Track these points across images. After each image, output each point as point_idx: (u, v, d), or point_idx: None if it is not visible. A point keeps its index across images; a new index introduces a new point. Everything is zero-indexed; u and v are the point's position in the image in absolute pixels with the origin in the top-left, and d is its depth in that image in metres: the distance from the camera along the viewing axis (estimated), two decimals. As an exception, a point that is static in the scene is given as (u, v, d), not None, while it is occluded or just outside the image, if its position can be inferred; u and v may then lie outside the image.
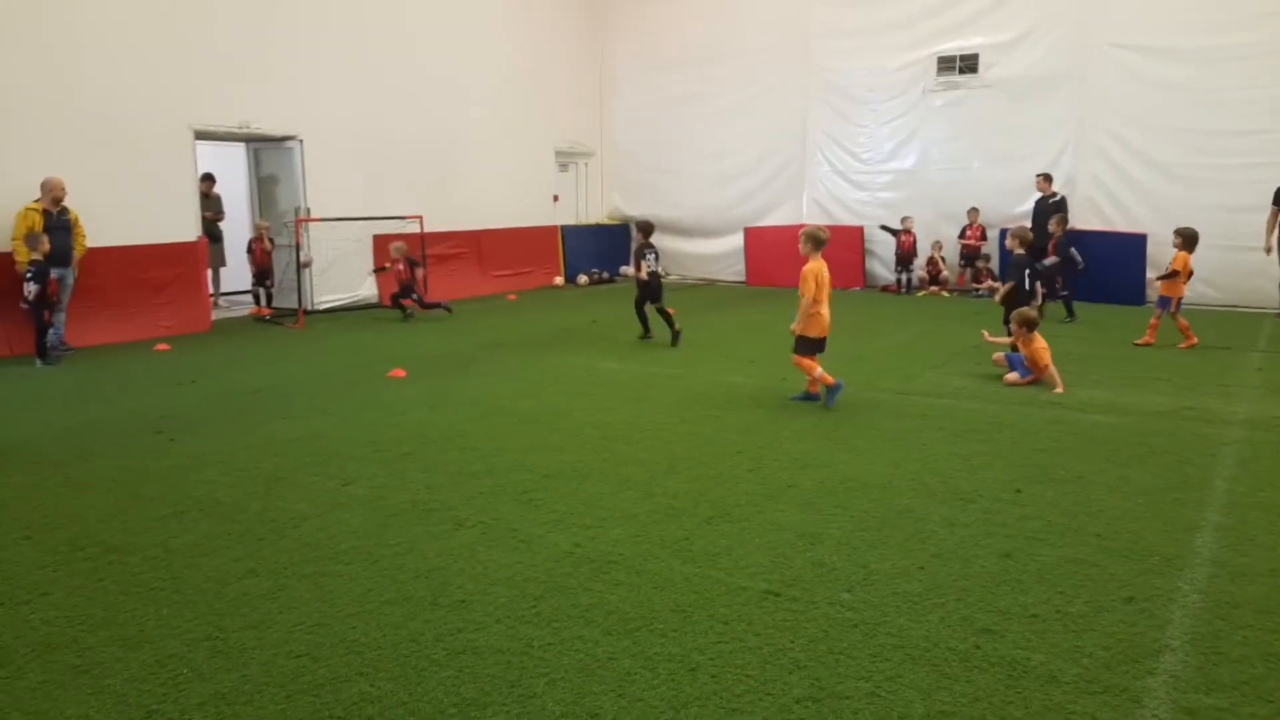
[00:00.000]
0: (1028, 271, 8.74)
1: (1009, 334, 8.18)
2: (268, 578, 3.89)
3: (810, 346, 6.93)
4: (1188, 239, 9.61)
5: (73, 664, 3.19)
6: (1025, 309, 7.90)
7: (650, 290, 9.94)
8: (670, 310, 9.99)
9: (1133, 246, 12.93)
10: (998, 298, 9.02)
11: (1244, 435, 6.08)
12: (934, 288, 14.83)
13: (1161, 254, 13.03)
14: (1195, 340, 9.45)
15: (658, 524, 4.49)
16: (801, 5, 15.73)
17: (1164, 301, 9.55)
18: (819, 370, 6.90)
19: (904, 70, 14.95)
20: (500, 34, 15.62)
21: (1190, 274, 9.57)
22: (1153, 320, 9.68)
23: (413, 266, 12.24)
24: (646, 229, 10.08)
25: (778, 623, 3.45)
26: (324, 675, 3.10)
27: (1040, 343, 7.64)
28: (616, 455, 5.69)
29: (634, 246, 10.11)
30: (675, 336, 9.81)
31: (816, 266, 6.83)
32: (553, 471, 5.35)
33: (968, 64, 14.40)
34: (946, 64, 14.60)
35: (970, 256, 14.55)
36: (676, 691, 2.98)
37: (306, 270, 12.20)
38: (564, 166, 17.68)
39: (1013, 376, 7.68)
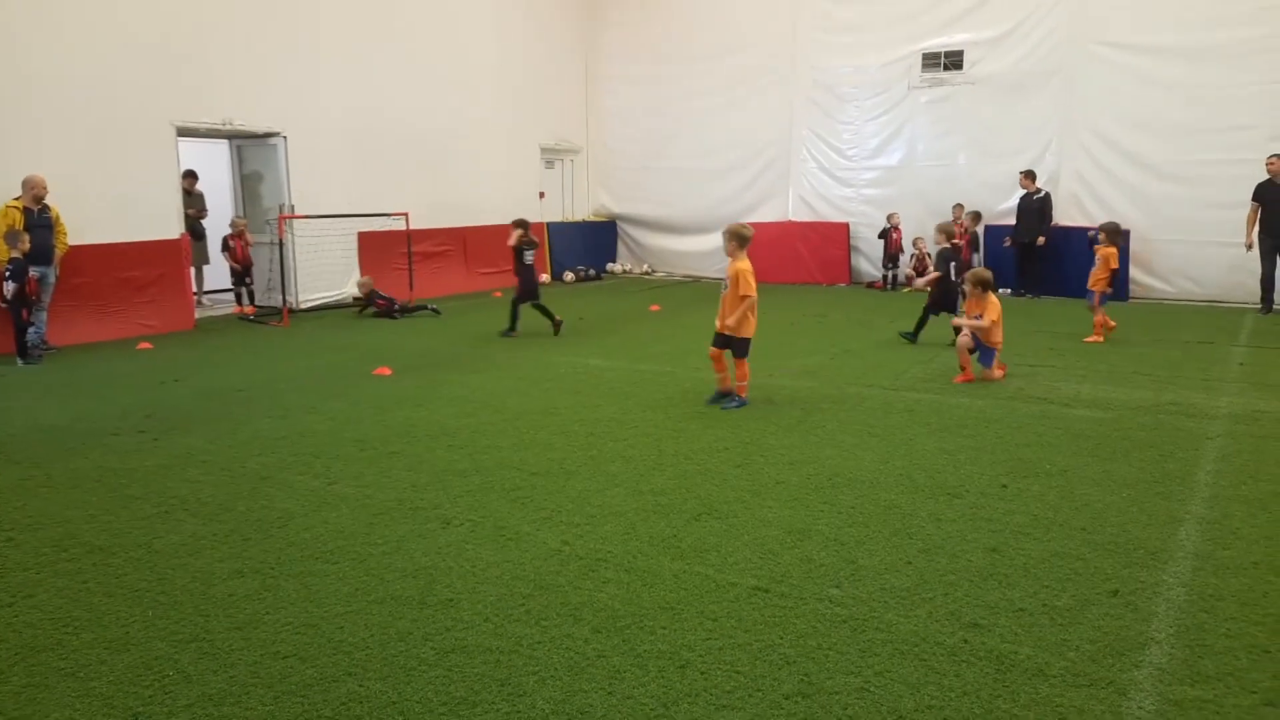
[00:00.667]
0: (952, 264, 9.44)
1: (922, 321, 9.39)
2: (254, 578, 3.86)
3: (749, 348, 6.82)
4: (1113, 233, 9.81)
5: (58, 667, 3.16)
6: (981, 269, 8.12)
7: (527, 287, 10.23)
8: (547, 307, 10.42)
9: (1116, 242, 13.03)
10: (920, 283, 9.88)
11: (1226, 429, 6.14)
12: (920, 283, 14.87)
13: (1143, 250, 13.20)
14: (1101, 339, 9.61)
15: (646, 521, 4.49)
16: (788, 3, 15.75)
17: (1103, 297, 9.70)
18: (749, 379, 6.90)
19: (889, 67, 15.00)
20: (486, 30, 15.56)
21: (1115, 270, 9.70)
22: (1097, 318, 9.83)
23: (378, 297, 12.27)
24: (524, 225, 10.37)
25: (767, 619, 3.46)
26: (312, 676, 3.08)
27: (994, 300, 7.69)
28: (604, 452, 5.69)
29: (514, 243, 10.29)
30: (557, 326, 10.30)
31: (749, 265, 6.70)
32: (540, 469, 5.34)
33: (953, 61, 14.46)
34: (931, 61, 14.65)
35: (955, 253, 14.64)
36: (666, 688, 2.99)
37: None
38: (550, 163, 17.64)
39: (996, 374, 7.71)
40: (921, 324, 9.64)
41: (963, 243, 12.79)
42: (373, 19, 13.43)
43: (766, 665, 3.12)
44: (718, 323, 6.85)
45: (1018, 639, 3.29)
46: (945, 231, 9.64)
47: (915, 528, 4.38)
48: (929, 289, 9.70)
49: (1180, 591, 3.67)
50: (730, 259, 6.81)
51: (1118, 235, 9.85)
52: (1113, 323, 9.85)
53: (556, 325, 10.30)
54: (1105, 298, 9.68)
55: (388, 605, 3.60)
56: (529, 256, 10.26)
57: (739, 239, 6.79)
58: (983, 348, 7.73)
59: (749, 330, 6.77)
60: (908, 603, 3.58)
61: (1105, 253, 9.63)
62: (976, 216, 13.51)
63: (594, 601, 3.61)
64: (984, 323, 7.57)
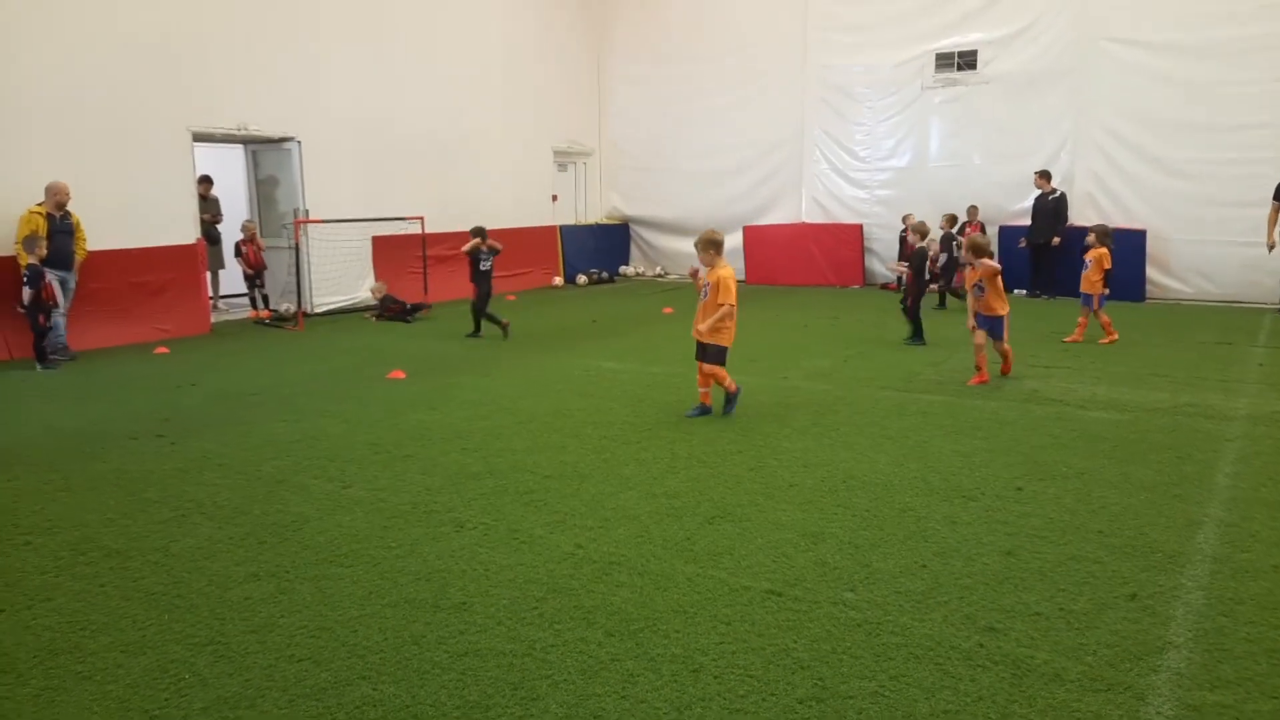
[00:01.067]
0: (928, 262, 9.89)
1: (909, 319, 9.64)
2: (269, 581, 3.88)
3: (725, 355, 6.68)
4: (1103, 235, 9.81)
5: (75, 670, 3.19)
6: (976, 235, 8.15)
7: (482, 292, 10.47)
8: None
9: (1131, 243, 12.92)
10: (893, 265, 10.30)
11: (1245, 431, 6.08)
12: (932, 286, 14.77)
13: (1159, 250, 13.10)
14: (1116, 336, 9.57)
15: (659, 524, 4.48)
16: (799, 2, 15.73)
17: (1088, 299, 9.65)
18: (730, 378, 6.76)
19: (902, 67, 14.96)
20: (498, 33, 15.61)
21: (1108, 270, 9.63)
22: (1081, 319, 9.78)
23: (390, 303, 12.52)
24: (481, 233, 10.52)
25: (781, 623, 3.44)
26: (326, 679, 3.09)
27: (988, 262, 7.63)
28: (617, 455, 5.68)
29: (467, 249, 10.55)
30: (474, 334, 10.61)
31: (730, 272, 6.57)
32: (554, 472, 5.34)
33: (966, 60, 14.40)
34: (945, 60, 14.59)
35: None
36: (680, 693, 2.98)
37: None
38: (562, 166, 17.68)
39: (1007, 348, 7.69)
40: (916, 324, 9.67)
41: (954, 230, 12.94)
42: (385, 25, 13.49)
43: (780, 669, 3.11)
44: (694, 333, 6.68)
45: (1034, 643, 3.26)
46: (920, 231, 9.80)
47: (930, 531, 4.36)
48: (905, 284, 9.97)
49: (1199, 595, 3.64)
50: (709, 267, 6.61)
51: (1107, 236, 9.84)
52: (1079, 336, 9.78)
53: (474, 333, 10.59)
54: (1104, 299, 9.65)
55: (401, 609, 3.60)
56: (485, 264, 10.46)
57: (716, 245, 6.63)
58: (991, 321, 7.64)
59: (726, 339, 6.62)
60: (923, 606, 3.56)
61: (1097, 254, 9.61)
62: (952, 219, 13.28)
63: (607, 605, 3.61)
64: (993, 265, 7.54)
